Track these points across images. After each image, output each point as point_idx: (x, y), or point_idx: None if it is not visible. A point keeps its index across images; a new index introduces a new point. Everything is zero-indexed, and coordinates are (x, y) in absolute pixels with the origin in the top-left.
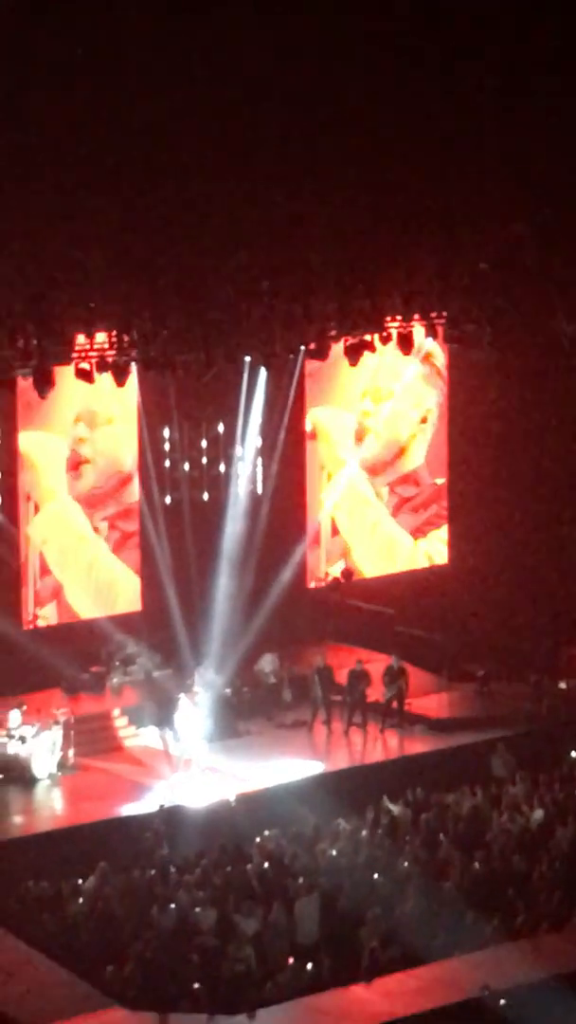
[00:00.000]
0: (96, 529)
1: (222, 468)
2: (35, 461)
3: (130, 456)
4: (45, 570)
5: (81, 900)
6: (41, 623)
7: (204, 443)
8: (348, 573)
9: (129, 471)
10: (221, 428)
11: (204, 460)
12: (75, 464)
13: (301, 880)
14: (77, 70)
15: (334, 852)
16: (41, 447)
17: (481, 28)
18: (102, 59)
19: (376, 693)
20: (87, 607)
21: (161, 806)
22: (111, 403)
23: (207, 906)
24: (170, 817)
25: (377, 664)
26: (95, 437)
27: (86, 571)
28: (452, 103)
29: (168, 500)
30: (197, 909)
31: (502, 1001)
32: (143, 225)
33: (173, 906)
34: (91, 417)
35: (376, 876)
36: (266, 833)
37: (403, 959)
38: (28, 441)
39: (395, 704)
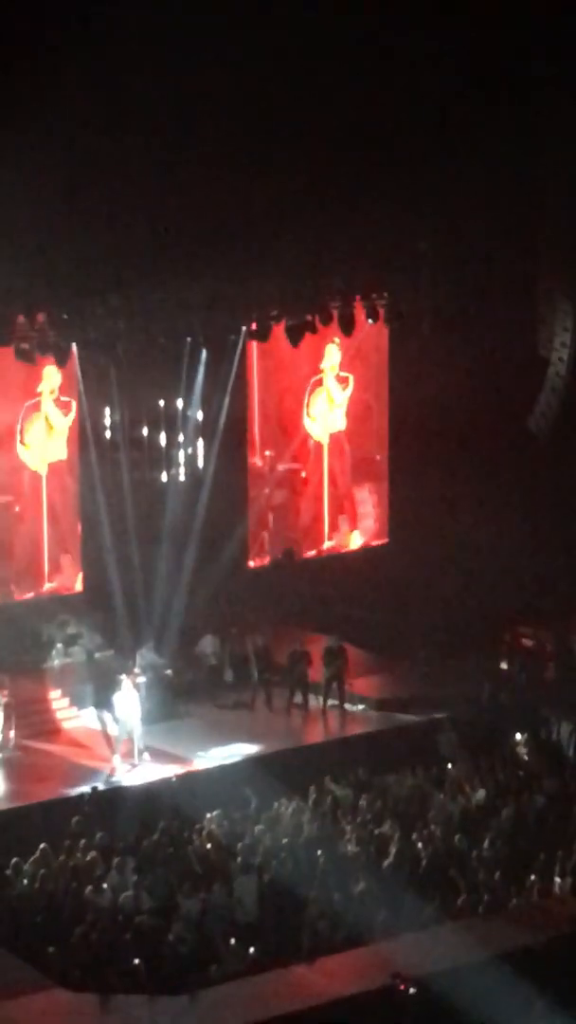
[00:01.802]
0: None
1: (163, 449)
2: None
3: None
4: None
5: (25, 882)
6: None
7: (145, 424)
8: (290, 553)
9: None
10: (162, 407)
11: (145, 441)
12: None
13: (241, 860)
14: None
15: (276, 833)
16: None
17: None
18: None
19: (317, 674)
20: (30, 587)
21: (94, 788)
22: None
23: (149, 887)
24: (104, 799)
25: (320, 645)
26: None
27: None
28: (398, 89)
29: (110, 481)
30: (131, 892)
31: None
32: (80, 207)
33: (112, 888)
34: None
35: (318, 856)
36: (207, 815)
37: (345, 940)
38: None
39: (335, 684)
